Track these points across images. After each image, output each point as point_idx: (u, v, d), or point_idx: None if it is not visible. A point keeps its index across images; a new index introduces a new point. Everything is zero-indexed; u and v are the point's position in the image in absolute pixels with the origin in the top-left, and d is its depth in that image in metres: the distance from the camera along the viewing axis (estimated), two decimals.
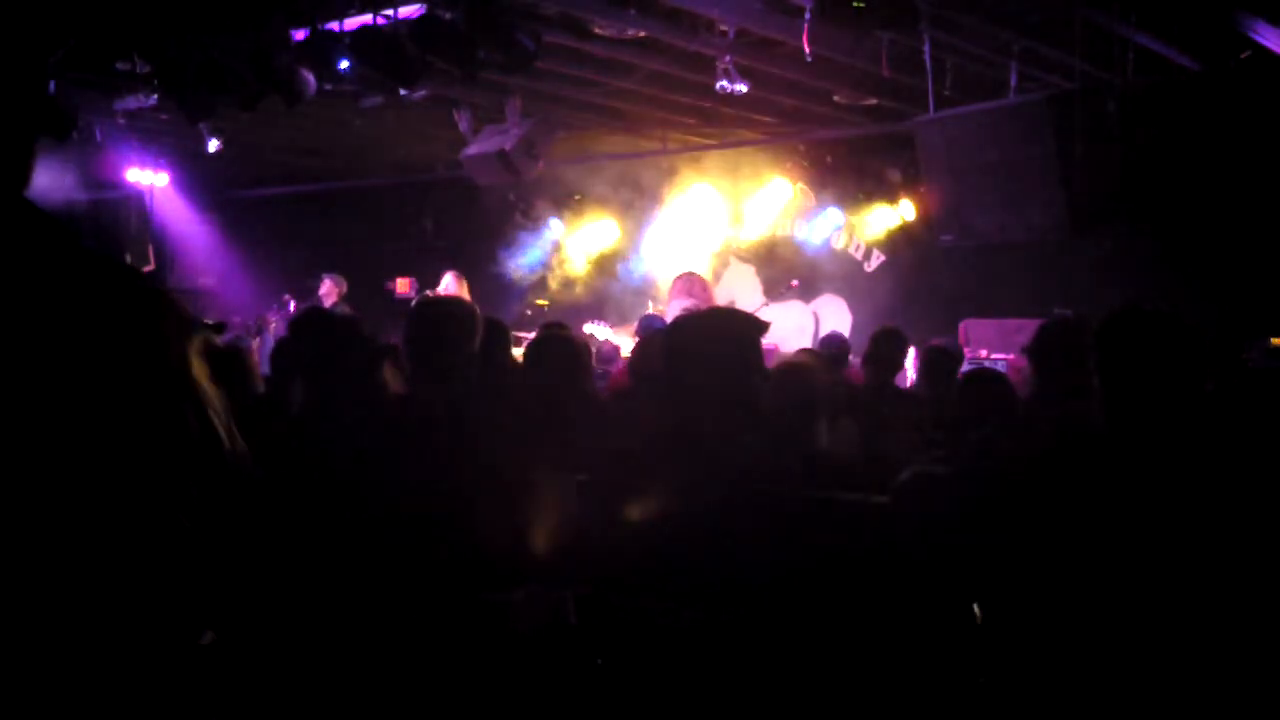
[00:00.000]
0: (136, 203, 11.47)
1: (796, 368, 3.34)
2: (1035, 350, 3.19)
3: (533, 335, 5.26)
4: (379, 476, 2.81)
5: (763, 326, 2.53)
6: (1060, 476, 2.28)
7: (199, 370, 1.36)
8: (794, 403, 3.16)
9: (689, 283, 7.93)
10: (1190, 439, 2.17)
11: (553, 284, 11.95)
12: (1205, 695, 2.05)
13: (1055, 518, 2.23)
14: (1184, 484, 2.13)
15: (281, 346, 4.15)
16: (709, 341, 2.43)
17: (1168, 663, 2.08)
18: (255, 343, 7.87)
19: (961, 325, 8.87)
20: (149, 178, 11.31)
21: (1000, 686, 2.36)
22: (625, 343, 8.12)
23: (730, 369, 2.40)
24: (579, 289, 11.81)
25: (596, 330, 8.82)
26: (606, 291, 11.48)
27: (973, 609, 2.51)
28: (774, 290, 10.54)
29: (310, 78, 6.50)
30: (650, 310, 9.29)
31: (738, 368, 2.41)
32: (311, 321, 3.87)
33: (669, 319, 6.41)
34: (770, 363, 7.54)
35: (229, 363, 3.92)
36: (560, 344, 4.75)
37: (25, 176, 1.33)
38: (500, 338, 4.99)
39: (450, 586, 2.60)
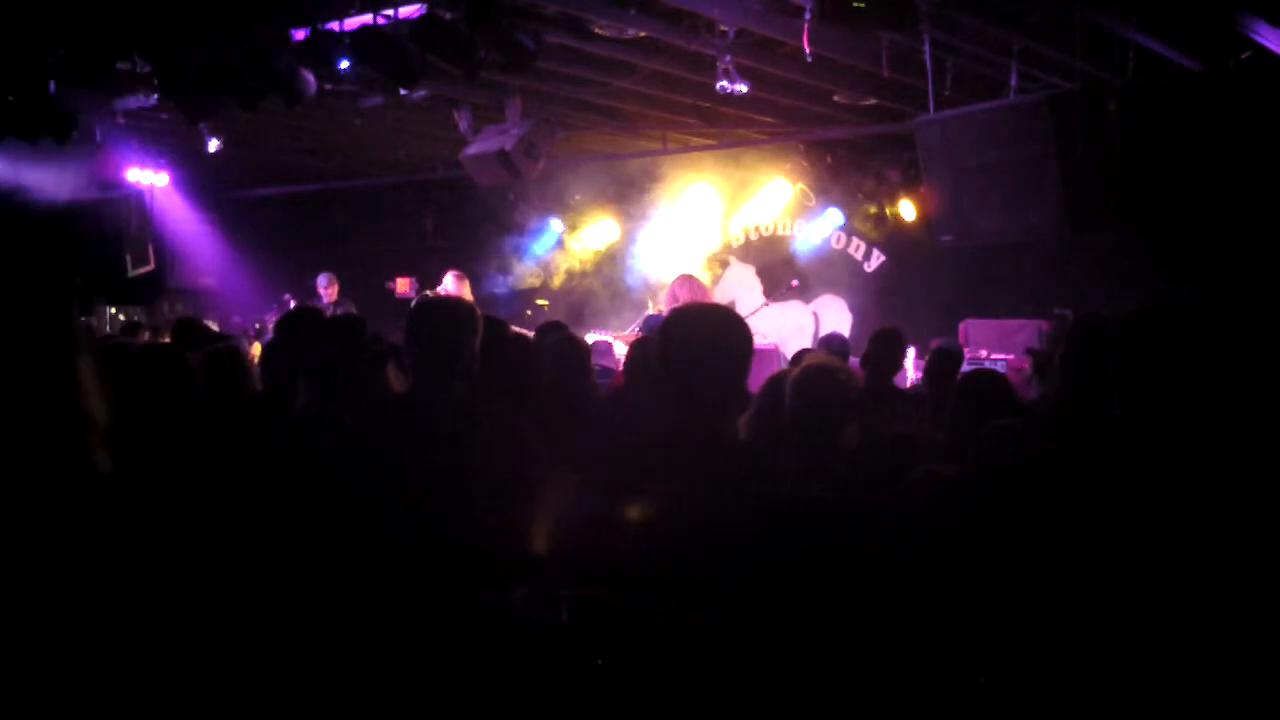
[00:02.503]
0: (136, 203, 11.46)
1: (825, 369, 3.33)
2: (1072, 349, 3.07)
3: (532, 335, 5.27)
4: (379, 476, 2.81)
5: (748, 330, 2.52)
6: (1074, 479, 2.27)
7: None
8: (821, 403, 3.15)
9: (687, 285, 7.94)
10: (1208, 443, 2.16)
11: (552, 284, 11.96)
12: (1213, 697, 2.05)
13: (1065, 520, 2.23)
14: (1195, 487, 2.13)
15: (273, 347, 4.16)
16: (706, 337, 2.42)
17: (1175, 666, 2.08)
18: (255, 346, 7.86)
19: (961, 325, 8.88)
20: (149, 178, 11.31)
21: (1000, 686, 2.35)
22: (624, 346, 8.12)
23: (727, 365, 2.39)
24: (579, 289, 11.82)
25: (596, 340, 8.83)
26: (606, 291, 11.49)
27: (973, 610, 2.51)
28: (774, 290, 10.54)
29: (310, 78, 6.50)
30: (650, 310, 9.29)
31: (735, 364, 2.41)
32: (299, 322, 3.88)
33: None
34: (772, 363, 7.52)
35: (226, 363, 3.93)
36: (560, 344, 4.75)
37: None
38: (499, 337, 4.99)
39: (449, 586, 2.60)
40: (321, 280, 10.24)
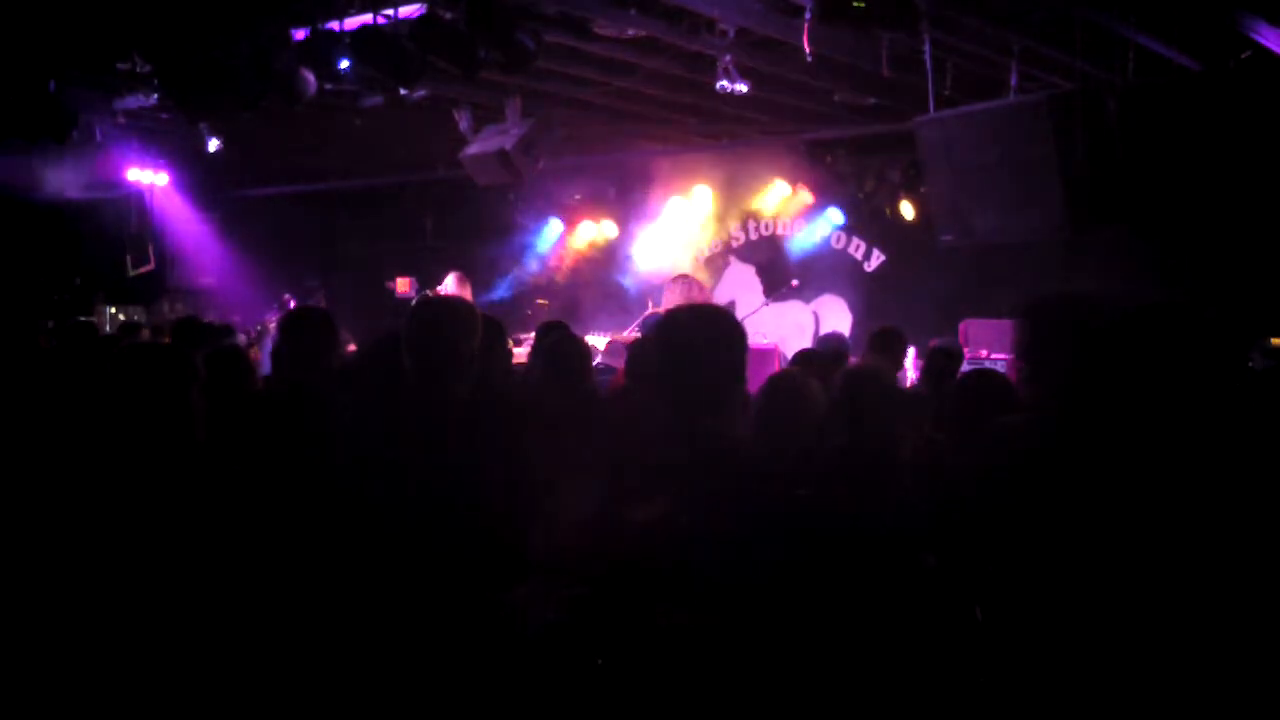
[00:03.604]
0: (136, 203, 11.47)
1: (789, 380, 3.32)
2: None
3: (532, 335, 5.27)
4: (380, 475, 2.81)
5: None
6: (1073, 475, 2.27)
7: None
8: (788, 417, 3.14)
9: (685, 285, 7.93)
10: (1203, 441, 2.16)
11: (552, 283, 11.96)
12: (1210, 697, 2.05)
13: (1065, 517, 2.23)
14: (1191, 485, 2.13)
15: (279, 347, 4.16)
16: (699, 337, 2.42)
17: (1174, 666, 2.08)
18: (255, 351, 7.86)
19: (961, 325, 8.87)
20: (149, 178, 11.31)
21: (1000, 686, 2.35)
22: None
23: (724, 364, 2.40)
24: (579, 289, 11.82)
25: (598, 342, 8.82)
26: (606, 291, 11.49)
27: (974, 609, 2.51)
28: (774, 290, 10.53)
29: (310, 78, 6.50)
30: (650, 310, 9.28)
31: (730, 364, 2.41)
32: (303, 320, 3.90)
33: None
34: (772, 363, 7.49)
35: (229, 362, 3.93)
36: (561, 344, 4.75)
37: None
38: (499, 336, 4.99)
39: (450, 586, 2.60)
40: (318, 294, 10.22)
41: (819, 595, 2.25)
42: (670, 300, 7.83)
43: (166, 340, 6.15)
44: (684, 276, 8.22)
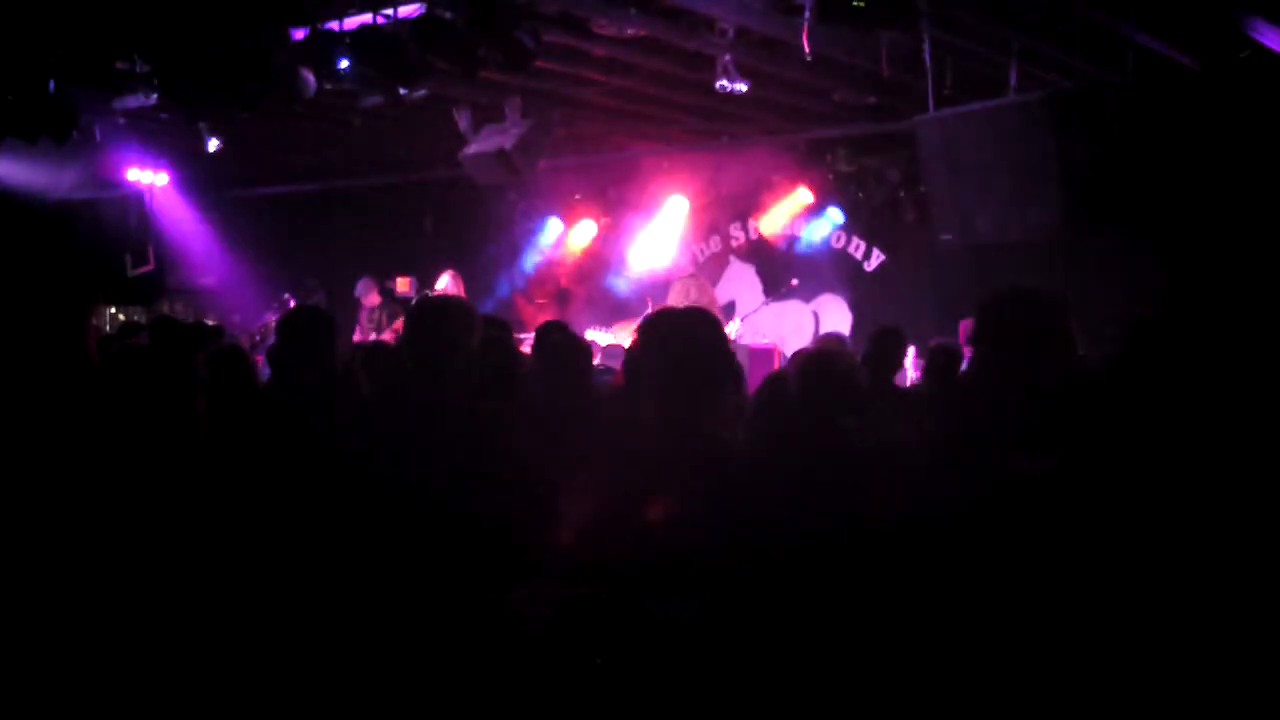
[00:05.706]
0: (136, 202, 11.48)
1: (823, 355, 3.31)
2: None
3: (531, 336, 5.27)
4: (381, 475, 2.82)
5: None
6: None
7: None
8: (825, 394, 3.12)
9: (687, 286, 7.95)
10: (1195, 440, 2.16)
11: (552, 283, 11.96)
12: (1205, 697, 2.05)
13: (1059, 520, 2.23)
14: (1187, 485, 2.13)
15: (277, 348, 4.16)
16: (681, 338, 2.46)
17: (1171, 666, 2.08)
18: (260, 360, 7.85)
19: (961, 325, 8.86)
20: (149, 177, 11.32)
21: (1000, 686, 2.35)
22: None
23: (703, 366, 2.42)
24: (578, 289, 11.82)
25: (598, 337, 8.84)
26: (606, 291, 11.49)
27: (971, 609, 2.50)
28: (774, 289, 10.54)
29: (310, 77, 6.50)
30: (650, 309, 9.30)
31: (716, 367, 2.44)
32: (302, 320, 3.90)
33: None
34: (772, 363, 7.49)
35: (230, 361, 3.93)
36: (563, 344, 4.75)
37: None
38: (502, 336, 4.99)
39: (450, 584, 2.60)
40: (360, 286, 10.30)
41: (816, 589, 2.26)
42: (674, 300, 7.85)
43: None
44: (691, 276, 8.23)
